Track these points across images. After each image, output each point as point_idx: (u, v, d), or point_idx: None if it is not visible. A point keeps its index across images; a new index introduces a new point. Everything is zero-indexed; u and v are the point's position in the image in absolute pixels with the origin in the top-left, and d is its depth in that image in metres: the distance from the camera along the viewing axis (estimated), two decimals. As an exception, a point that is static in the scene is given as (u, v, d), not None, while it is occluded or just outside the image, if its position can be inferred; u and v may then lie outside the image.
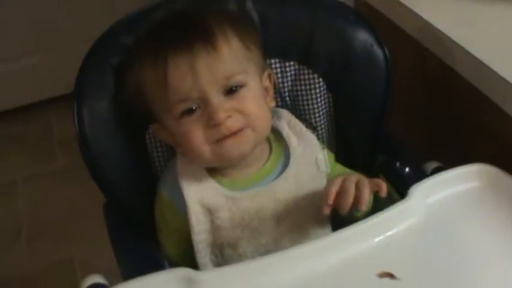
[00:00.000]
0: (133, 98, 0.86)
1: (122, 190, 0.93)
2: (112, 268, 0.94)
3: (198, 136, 0.81)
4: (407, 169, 0.99)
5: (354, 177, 0.81)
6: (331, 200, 0.79)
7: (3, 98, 2.21)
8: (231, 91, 0.81)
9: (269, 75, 0.90)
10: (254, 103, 0.83)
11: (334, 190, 0.79)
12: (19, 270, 1.74)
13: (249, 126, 0.82)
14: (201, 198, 0.85)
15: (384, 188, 0.80)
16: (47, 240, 1.82)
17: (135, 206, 0.94)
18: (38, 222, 1.88)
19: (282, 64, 0.97)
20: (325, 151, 0.92)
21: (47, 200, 1.95)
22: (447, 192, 0.86)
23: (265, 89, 0.88)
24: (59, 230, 1.84)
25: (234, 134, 0.81)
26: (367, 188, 0.79)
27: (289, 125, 0.92)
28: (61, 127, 2.21)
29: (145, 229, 0.92)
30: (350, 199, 0.78)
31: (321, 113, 0.99)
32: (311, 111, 0.98)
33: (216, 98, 0.80)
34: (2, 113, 2.23)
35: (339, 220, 0.89)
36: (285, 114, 0.94)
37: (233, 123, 0.80)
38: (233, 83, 0.81)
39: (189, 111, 0.81)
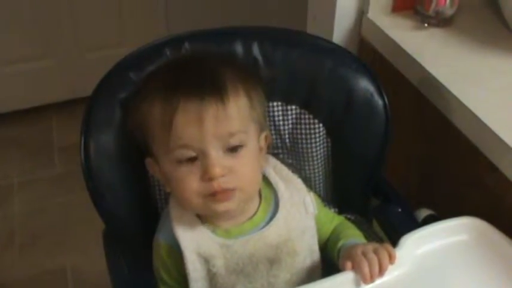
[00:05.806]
0: (136, 130, 0.87)
1: (122, 220, 0.94)
2: (104, 277, 0.96)
3: (191, 188, 0.82)
4: (400, 216, 1.01)
5: (370, 247, 0.83)
6: (369, 279, 0.81)
7: (4, 100, 2.20)
8: (230, 150, 0.82)
9: (266, 137, 0.90)
10: (249, 166, 0.84)
11: (367, 270, 0.80)
12: (10, 276, 1.72)
13: (239, 188, 0.83)
14: (196, 246, 0.86)
15: (393, 258, 0.83)
16: (39, 246, 1.81)
17: (133, 236, 0.96)
18: (31, 228, 1.87)
19: (284, 107, 0.98)
20: (312, 194, 0.93)
21: (42, 205, 1.94)
22: (436, 243, 0.88)
23: (260, 148, 0.88)
24: (53, 237, 1.84)
25: (222, 192, 0.82)
26: (386, 258, 0.82)
27: (275, 170, 0.93)
28: (61, 133, 2.21)
29: (141, 259, 0.93)
30: (376, 270, 0.81)
31: (319, 156, 1.01)
32: (310, 155, 1.00)
33: (216, 152, 0.81)
34: (3, 115, 2.21)
35: (329, 261, 0.92)
36: (270, 159, 0.95)
37: (225, 183, 0.81)
38: (235, 142, 0.82)
39: (187, 160, 0.82)
